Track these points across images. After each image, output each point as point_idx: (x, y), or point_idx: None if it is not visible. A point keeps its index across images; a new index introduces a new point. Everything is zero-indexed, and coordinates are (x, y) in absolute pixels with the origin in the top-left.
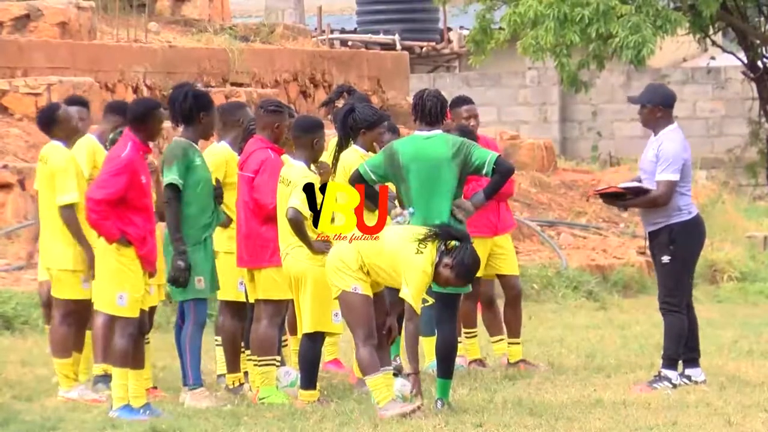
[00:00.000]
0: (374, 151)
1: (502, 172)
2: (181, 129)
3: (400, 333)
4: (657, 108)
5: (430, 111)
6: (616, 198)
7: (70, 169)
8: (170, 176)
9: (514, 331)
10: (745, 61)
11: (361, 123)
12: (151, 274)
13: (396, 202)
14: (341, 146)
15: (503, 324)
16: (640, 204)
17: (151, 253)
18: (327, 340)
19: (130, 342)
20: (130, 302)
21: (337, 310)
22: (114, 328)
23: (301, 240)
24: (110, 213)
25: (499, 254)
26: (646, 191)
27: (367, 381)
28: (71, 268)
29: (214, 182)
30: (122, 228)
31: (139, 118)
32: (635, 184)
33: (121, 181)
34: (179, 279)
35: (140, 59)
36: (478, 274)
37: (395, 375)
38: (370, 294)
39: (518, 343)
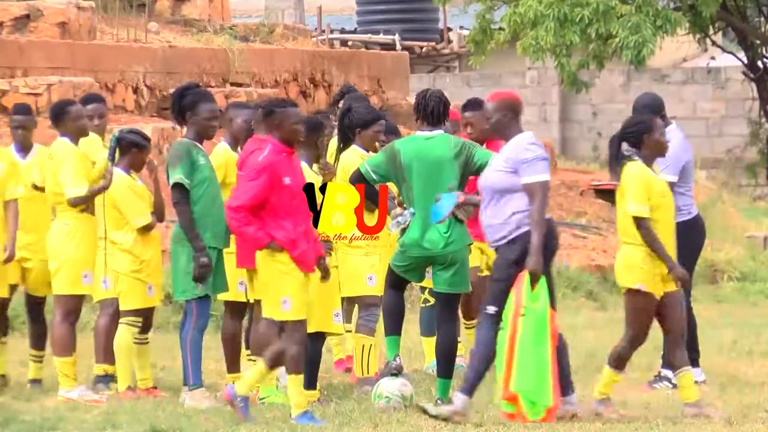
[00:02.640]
0: (375, 151)
1: None
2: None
3: (400, 333)
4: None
5: (432, 111)
6: (611, 194)
7: (75, 163)
8: (176, 176)
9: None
10: (745, 61)
11: (356, 122)
12: (324, 276)
13: (396, 202)
14: (341, 146)
15: None
16: None
17: (305, 255)
18: (332, 340)
19: (302, 348)
20: (294, 306)
21: (338, 310)
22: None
23: None
24: (252, 219)
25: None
26: None
27: None
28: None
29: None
30: (270, 233)
31: (268, 120)
32: None
33: (258, 185)
34: (204, 276)
35: (140, 59)
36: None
37: (395, 375)
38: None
39: None
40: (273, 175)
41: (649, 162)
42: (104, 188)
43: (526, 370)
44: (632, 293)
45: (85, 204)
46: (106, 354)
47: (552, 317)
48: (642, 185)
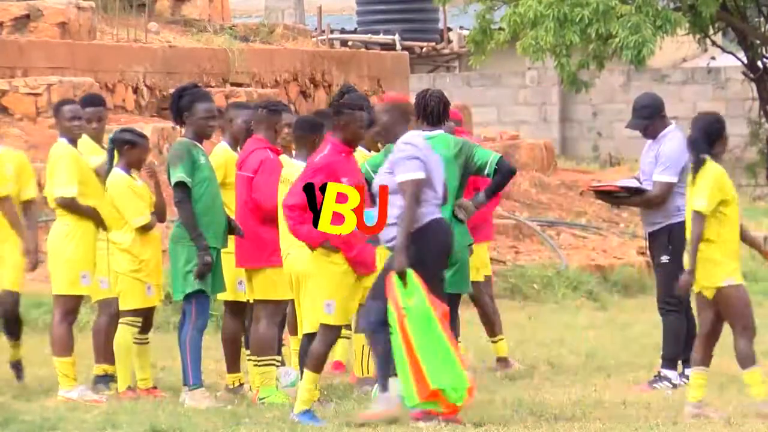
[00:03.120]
0: (377, 151)
1: (504, 172)
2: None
3: None
4: (657, 119)
5: (433, 111)
6: (610, 195)
7: (68, 164)
8: (177, 175)
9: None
10: (745, 62)
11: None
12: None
13: None
14: None
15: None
16: (633, 203)
17: (361, 255)
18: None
19: (328, 351)
20: (337, 311)
21: None
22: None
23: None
24: (306, 218)
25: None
26: (643, 191)
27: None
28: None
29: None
30: (323, 233)
31: (335, 119)
32: (634, 183)
33: (315, 184)
34: (206, 273)
35: (140, 59)
36: (473, 279)
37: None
38: None
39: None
40: (330, 175)
41: (719, 159)
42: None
43: (434, 365)
44: (723, 291)
45: (72, 208)
46: (106, 354)
47: (434, 305)
48: (716, 184)
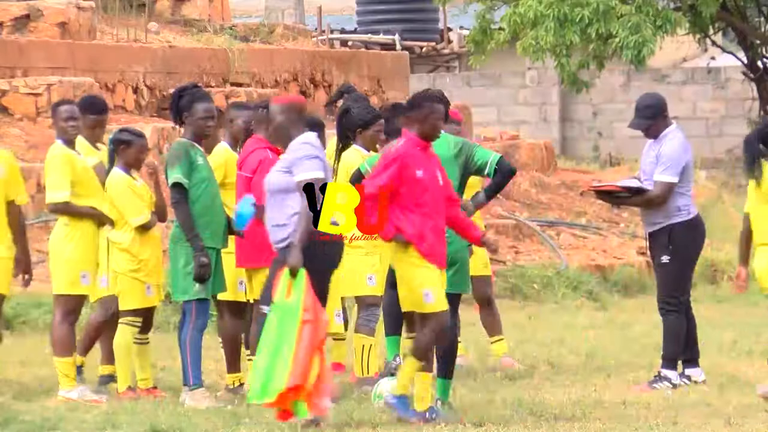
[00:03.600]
0: (375, 151)
1: (504, 172)
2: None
3: (400, 333)
4: (660, 119)
5: (445, 112)
6: (610, 195)
7: (60, 166)
8: (174, 176)
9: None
10: (745, 61)
11: (356, 122)
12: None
13: None
14: (341, 147)
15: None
16: (634, 203)
17: (434, 249)
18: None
19: (434, 339)
20: (436, 297)
21: (339, 309)
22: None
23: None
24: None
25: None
26: (644, 191)
27: None
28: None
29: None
30: (397, 225)
31: (412, 113)
32: (635, 183)
33: (388, 175)
34: (204, 275)
35: (140, 59)
36: (472, 273)
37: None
38: None
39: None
40: (404, 166)
41: None
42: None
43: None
44: None
45: (67, 212)
46: (86, 347)
47: (306, 310)
48: None
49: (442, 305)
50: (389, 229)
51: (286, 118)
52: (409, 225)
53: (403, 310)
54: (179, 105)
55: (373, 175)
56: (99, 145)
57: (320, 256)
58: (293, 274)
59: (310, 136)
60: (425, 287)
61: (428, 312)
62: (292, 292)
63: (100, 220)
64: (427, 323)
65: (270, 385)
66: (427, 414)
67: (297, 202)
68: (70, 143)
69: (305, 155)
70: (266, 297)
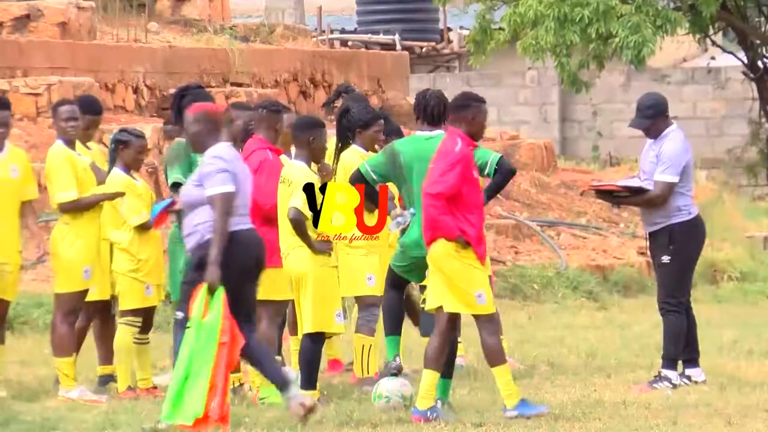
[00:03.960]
0: (374, 151)
1: (504, 172)
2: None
3: (399, 333)
4: (660, 119)
5: (432, 111)
6: (610, 195)
7: (65, 166)
8: (174, 175)
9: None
10: (745, 61)
11: (356, 122)
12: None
13: (396, 203)
14: (340, 147)
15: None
16: (634, 203)
17: (485, 252)
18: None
19: (499, 337)
20: (488, 299)
21: (340, 310)
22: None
23: (302, 240)
24: (448, 208)
25: None
26: (644, 191)
27: None
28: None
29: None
30: (460, 227)
31: (461, 113)
32: (636, 183)
33: (456, 175)
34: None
35: (140, 59)
36: None
37: (395, 375)
38: None
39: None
40: (467, 166)
41: None
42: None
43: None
44: None
45: (78, 208)
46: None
47: (224, 330)
48: None
49: (493, 306)
50: (453, 230)
51: (200, 127)
52: (470, 226)
53: (447, 310)
54: (180, 104)
55: (440, 175)
56: (90, 144)
57: (225, 260)
58: (211, 291)
59: (221, 148)
60: (479, 289)
61: (480, 313)
62: (209, 310)
63: (113, 198)
64: (483, 326)
65: (184, 407)
66: (429, 413)
67: (206, 214)
68: (70, 143)
69: (215, 170)
70: (183, 306)
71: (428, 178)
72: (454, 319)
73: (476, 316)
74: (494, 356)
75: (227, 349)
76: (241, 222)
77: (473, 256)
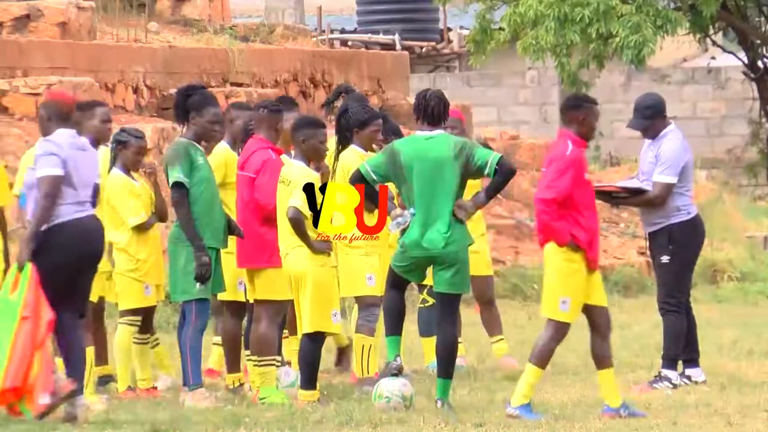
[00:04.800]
0: (373, 151)
1: (505, 172)
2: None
3: (400, 333)
4: (658, 119)
5: (433, 111)
6: (609, 195)
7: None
8: (175, 175)
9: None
10: (746, 61)
11: (353, 122)
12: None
13: (396, 203)
14: (340, 147)
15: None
16: (633, 204)
17: (597, 253)
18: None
19: (556, 345)
20: (572, 308)
21: (337, 310)
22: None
23: (301, 240)
24: (560, 214)
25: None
26: (643, 192)
27: None
28: None
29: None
30: (571, 231)
31: (572, 113)
32: (635, 184)
33: (567, 179)
34: (205, 275)
35: (140, 59)
36: (474, 273)
37: (395, 375)
38: None
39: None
40: (580, 168)
41: None
42: None
43: None
44: None
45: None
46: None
47: (27, 308)
48: None
49: (575, 317)
50: (564, 235)
51: (45, 113)
52: (581, 230)
53: (542, 313)
54: (187, 104)
55: (552, 180)
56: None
57: (55, 248)
58: (20, 267)
59: (58, 134)
60: (565, 296)
61: (557, 320)
62: (17, 287)
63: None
64: (552, 330)
65: None
66: (621, 410)
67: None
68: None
69: (44, 152)
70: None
71: (540, 183)
72: (602, 314)
73: (549, 321)
74: (540, 357)
75: (31, 323)
76: (80, 210)
77: (580, 259)
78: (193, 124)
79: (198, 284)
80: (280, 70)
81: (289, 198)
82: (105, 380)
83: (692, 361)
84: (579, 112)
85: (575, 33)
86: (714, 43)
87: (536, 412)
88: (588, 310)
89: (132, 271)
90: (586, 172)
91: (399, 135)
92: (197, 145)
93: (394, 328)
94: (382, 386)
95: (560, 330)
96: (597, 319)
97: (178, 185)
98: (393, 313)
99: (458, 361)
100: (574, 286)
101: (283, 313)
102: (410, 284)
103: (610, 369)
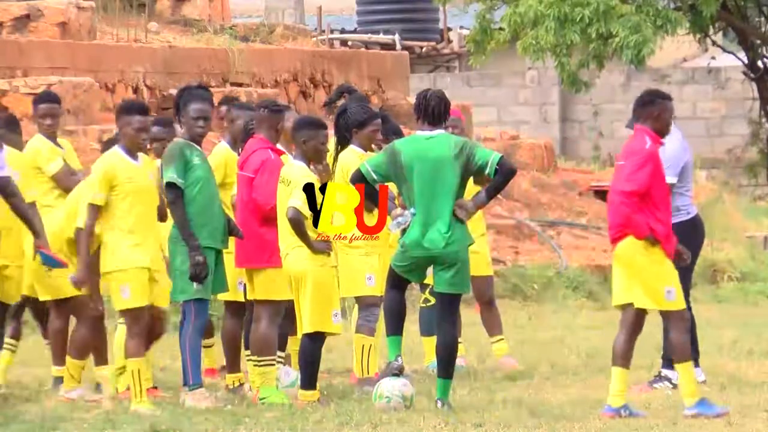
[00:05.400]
0: (372, 151)
1: (505, 172)
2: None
3: (401, 333)
4: None
5: (433, 111)
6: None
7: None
8: (169, 175)
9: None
10: (746, 61)
11: (352, 122)
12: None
13: (396, 203)
14: (339, 147)
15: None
16: None
17: (673, 247)
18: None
19: (689, 336)
20: (678, 295)
21: (337, 310)
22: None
23: (301, 240)
24: (640, 206)
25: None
26: None
27: None
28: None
29: None
30: (650, 224)
31: (647, 109)
32: None
33: (646, 172)
34: (200, 274)
35: (140, 59)
36: (474, 273)
37: (396, 375)
38: None
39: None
40: (656, 164)
41: None
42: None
43: None
44: None
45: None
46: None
47: None
48: None
49: (683, 303)
50: (643, 228)
51: None
52: (659, 223)
53: (637, 306)
54: (178, 104)
55: (631, 173)
56: (61, 141)
57: None
58: None
59: None
60: (668, 285)
61: (670, 309)
62: None
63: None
64: (673, 322)
65: None
66: (621, 410)
67: None
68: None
69: None
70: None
71: (618, 176)
72: (641, 315)
73: (665, 313)
74: (680, 353)
75: None
76: None
77: (660, 251)
78: (184, 123)
79: (195, 284)
80: (280, 70)
81: (289, 198)
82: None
83: (692, 361)
84: (653, 107)
85: (575, 33)
86: (714, 43)
87: (718, 406)
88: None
89: None
90: (662, 168)
91: (400, 135)
92: (194, 144)
93: (395, 328)
94: (382, 386)
95: (681, 319)
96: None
97: (171, 185)
98: (394, 313)
99: (458, 361)
100: (673, 275)
101: (282, 313)
102: (411, 284)
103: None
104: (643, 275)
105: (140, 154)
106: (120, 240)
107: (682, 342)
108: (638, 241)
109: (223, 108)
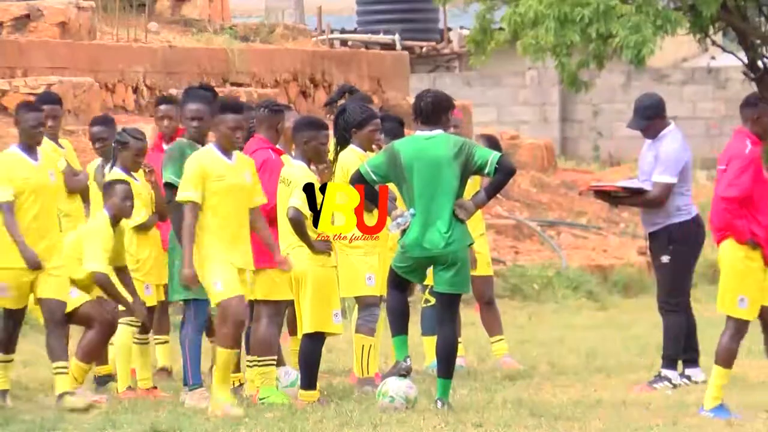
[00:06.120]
0: (372, 151)
1: (505, 171)
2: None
3: (406, 333)
4: (658, 119)
5: (422, 112)
6: (608, 195)
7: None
8: (167, 176)
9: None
10: (746, 61)
11: (351, 122)
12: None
13: (396, 203)
14: (339, 147)
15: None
16: (632, 204)
17: None
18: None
19: (738, 344)
20: (750, 305)
21: (338, 310)
22: None
23: (301, 240)
24: (742, 212)
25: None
26: (643, 191)
27: None
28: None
29: None
30: (750, 228)
31: (747, 111)
32: (635, 184)
33: (748, 177)
34: (188, 285)
35: (140, 59)
36: (474, 273)
37: (403, 376)
38: None
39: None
40: (758, 168)
41: None
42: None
43: None
44: None
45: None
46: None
47: None
48: None
49: (754, 314)
50: (744, 233)
51: None
52: (760, 227)
53: (717, 309)
54: (181, 105)
55: (734, 177)
56: (63, 141)
57: None
58: None
59: None
60: (743, 293)
61: (736, 317)
62: None
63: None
64: (732, 329)
65: None
66: (732, 416)
67: None
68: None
69: None
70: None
71: (721, 181)
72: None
73: (728, 318)
74: (724, 357)
75: None
76: None
77: (758, 257)
78: (183, 123)
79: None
80: (280, 70)
81: (290, 198)
82: (105, 380)
83: (692, 361)
84: (754, 110)
85: (575, 33)
86: (714, 43)
87: (733, 411)
88: (762, 310)
89: (133, 271)
90: (764, 170)
91: (400, 135)
92: (196, 144)
93: (400, 328)
94: (388, 384)
95: (740, 328)
96: None
97: (169, 186)
98: (397, 313)
99: (458, 361)
100: (752, 284)
101: (282, 313)
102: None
103: None
104: (726, 278)
105: (235, 152)
106: (211, 239)
107: (729, 347)
108: (738, 246)
109: None
